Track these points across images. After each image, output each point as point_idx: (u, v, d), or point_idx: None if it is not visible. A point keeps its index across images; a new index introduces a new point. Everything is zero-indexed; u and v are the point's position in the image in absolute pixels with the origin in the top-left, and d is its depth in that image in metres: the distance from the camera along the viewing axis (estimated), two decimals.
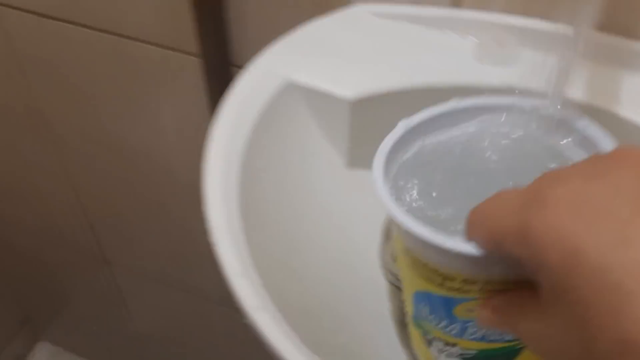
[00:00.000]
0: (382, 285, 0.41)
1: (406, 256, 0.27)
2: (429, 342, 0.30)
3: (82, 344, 1.32)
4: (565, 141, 0.29)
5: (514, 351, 0.28)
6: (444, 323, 0.28)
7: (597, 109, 0.40)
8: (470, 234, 0.22)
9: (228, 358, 1.05)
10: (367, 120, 0.43)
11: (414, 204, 0.28)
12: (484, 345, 0.28)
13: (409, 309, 0.30)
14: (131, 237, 0.91)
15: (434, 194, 0.28)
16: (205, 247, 0.33)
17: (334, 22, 0.47)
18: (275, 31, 0.46)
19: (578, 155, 0.29)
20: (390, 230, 0.41)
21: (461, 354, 0.29)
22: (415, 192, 0.28)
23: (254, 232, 0.35)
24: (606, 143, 0.27)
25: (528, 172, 0.23)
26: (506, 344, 0.28)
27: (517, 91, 0.31)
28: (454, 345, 0.29)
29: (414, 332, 0.31)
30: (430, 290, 0.27)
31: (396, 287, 0.40)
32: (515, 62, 0.43)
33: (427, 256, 0.25)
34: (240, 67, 0.57)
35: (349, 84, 0.42)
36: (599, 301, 0.16)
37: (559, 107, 0.29)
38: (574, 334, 0.17)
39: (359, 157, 0.45)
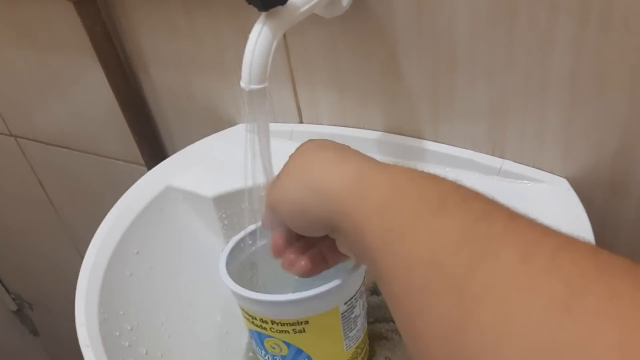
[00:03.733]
0: None
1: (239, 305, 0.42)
2: None
3: None
4: None
5: None
6: (262, 352, 0.42)
7: None
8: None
9: None
10: (228, 211, 0.57)
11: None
12: None
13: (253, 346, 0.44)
14: None
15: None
16: None
17: (217, 139, 0.62)
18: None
19: None
20: None
21: None
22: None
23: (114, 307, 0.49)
24: None
25: None
26: None
27: None
28: None
29: None
30: (251, 327, 0.41)
31: None
32: None
33: (240, 302, 0.40)
34: None
35: (212, 185, 0.56)
36: None
37: None
38: None
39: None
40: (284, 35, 0.54)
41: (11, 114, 0.84)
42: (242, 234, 0.45)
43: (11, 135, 0.87)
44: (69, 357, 1.38)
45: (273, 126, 0.61)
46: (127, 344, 0.48)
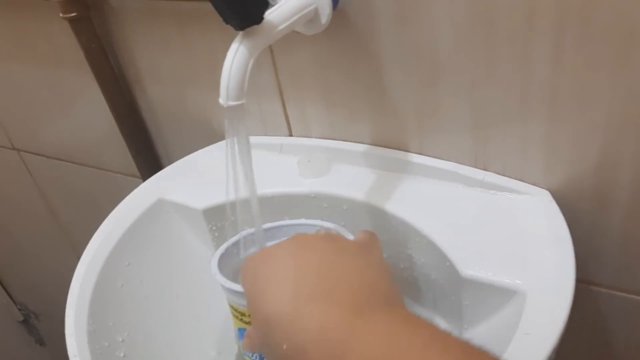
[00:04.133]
0: None
1: (228, 304, 0.43)
2: None
3: None
4: None
5: None
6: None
7: (372, 206, 0.52)
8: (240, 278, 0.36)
9: None
10: (219, 224, 0.58)
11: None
12: None
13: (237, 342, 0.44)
14: None
15: None
16: None
17: (209, 152, 0.64)
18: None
19: None
20: None
21: None
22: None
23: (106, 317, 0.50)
24: None
25: None
26: None
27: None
28: None
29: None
30: (238, 325, 0.42)
31: None
32: (326, 175, 0.57)
33: (228, 298, 0.42)
34: None
35: (202, 198, 0.57)
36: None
37: None
38: None
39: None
40: (271, 51, 0.55)
41: (15, 128, 0.86)
42: (235, 238, 0.46)
43: (14, 149, 0.89)
44: None
45: (263, 139, 0.62)
46: (117, 354, 0.49)
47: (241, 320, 0.43)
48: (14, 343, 1.38)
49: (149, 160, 0.72)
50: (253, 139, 0.63)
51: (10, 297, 1.32)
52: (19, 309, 1.34)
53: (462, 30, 0.45)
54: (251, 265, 0.33)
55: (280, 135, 0.61)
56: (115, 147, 0.75)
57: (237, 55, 0.37)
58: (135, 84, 0.67)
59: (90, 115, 0.74)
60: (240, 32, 0.37)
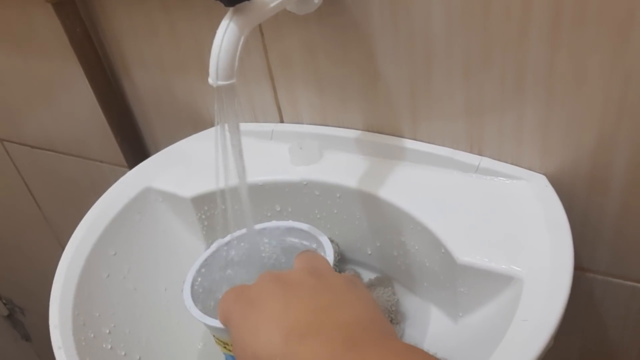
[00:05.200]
0: None
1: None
2: None
3: None
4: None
5: None
6: None
7: (365, 193, 0.51)
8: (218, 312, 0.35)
9: None
10: (208, 211, 0.56)
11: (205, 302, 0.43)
12: None
13: None
14: None
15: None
16: None
17: (197, 140, 0.62)
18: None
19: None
20: None
21: None
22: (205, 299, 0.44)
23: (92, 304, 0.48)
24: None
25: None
26: None
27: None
28: None
29: None
30: (225, 352, 0.41)
31: None
32: (317, 162, 0.55)
33: (211, 331, 0.41)
34: None
35: (190, 186, 0.56)
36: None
37: None
38: None
39: (214, 240, 0.58)
40: (262, 34, 0.54)
41: None
42: (206, 254, 0.45)
43: None
44: None
45: (254, 126, 0.60)
46: (103, 346, 0.48)
47: (226, 348, 0.41)
48: (0, 338, 1.36)
49: (135, 148, 0.71)
50: (243, 126, 0.61)
51: None
52: (4, 304, 1.32)
53: (457, 12, 0.44)
54: (236, 307, 0.32)
55: (270, 122, 0.60)
56: (100, 136, 0.74)
57: (227, 32, 0.35)
58: (121, 71, 0.66)
59: (75, 103, 0.72)
60: (231, 9, 0.36)
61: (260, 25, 0.53)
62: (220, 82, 0.36)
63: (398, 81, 0.50)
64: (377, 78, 0.50)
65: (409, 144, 0.53)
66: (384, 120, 0.53)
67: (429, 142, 0.52)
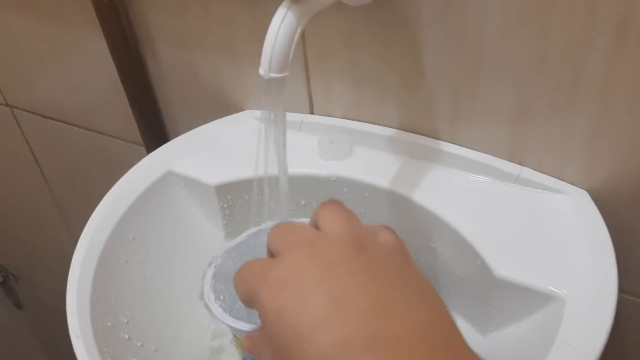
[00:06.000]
0: None
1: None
2: None
3: None
4: None
5: None
6: None
7: (397, 195, 0.49)
8: (236, 290, 0.30)
9: None
10: (231, 200, 0.54)
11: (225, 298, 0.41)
12: None
13: None
14: None
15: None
16: None
17: (222, 124, 0.60)
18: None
19: None
20: None
21: None
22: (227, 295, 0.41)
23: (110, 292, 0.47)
24: None
25: None
26: None
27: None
28: None
29: None
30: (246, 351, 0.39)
31: None
32: (348, 157, 0.53)
33: (232, 331, 0.38)
34: None
35: (215, 173, 0.54)
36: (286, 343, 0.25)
37: None
38: None
39: (234, 231, 0.56)
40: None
41: (8, 83, 0.81)
42: (228, 247, 0.42)
43: (7, 105, 0.84)
44: (53, 332, 1.36)
45: None
46: (120, 335, 0.46)
47: None
48: None
49: (153, 127, 0.68)
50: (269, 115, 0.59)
51: None
52: None
53: (515, 13, 0.42)
54: (265, 290, 0.26)
55: (300, 112, 0.58)
56: (117, 111, 0.71)
57: (284, 21, 0.33)
58: (145, 45, 0.63)
59: (93, 74, 0.70)
60: None
61: None
62: (273, 75, 0.34)
63: (442, 80, 0.48)
64: (420, 75, 0.48)
65: (446, 146, 0.51)
66: (422, 119, 0.51)
67: (467, 147, 0.50)
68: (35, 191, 0.97)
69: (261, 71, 0.34)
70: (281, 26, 0.33)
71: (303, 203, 0.54)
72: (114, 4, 0.59)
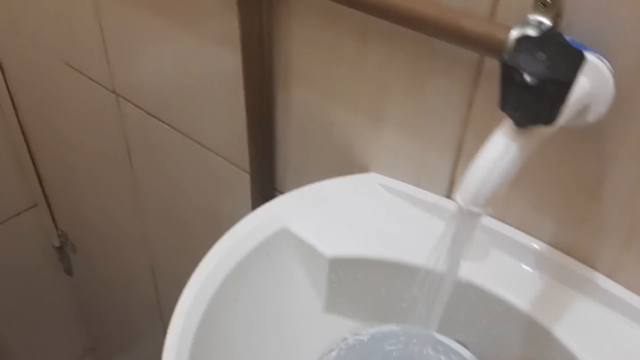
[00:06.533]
0: None
1: None
2: None
3: None
4: None
5: None
6: None
7: (534, 322, 0.44)
8: None
9: None
10: (342, 275, 0.50)
11: None
12: None
13: None
14: None
15: None
16: None
17: (344, 185, 0.55)
18: (309, 176, 0.55)
19: None
20: None
21: None
22: None
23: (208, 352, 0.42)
24: None
25: None
26: None
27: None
28: None
29: None
30: None
31: None
32: (483, 260, 0.48)
33: None
34: (281, 192, 0.66)
35: (332, 242, 0.49)
36: None
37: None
38: None
39: (335, 305, 0.51)
40: (470, 105, 0.46)
41: (120, 73, 0.78)
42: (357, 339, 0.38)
43: (114, 92, 0.81)
44: (95, 301, 1.35)
45: (414, 190, 0.53)
46: None
47: None
48: (43, 265, 1.34)
49: (264, 160, 0.64)
50: (399, 185, 0.54)
51: (54, 221, 1.27)
52: (59, 235, 1.29)
53: None
54: None
55: (435, 193, 0.52)
56: (230, 132, 0.67)
57: (506, 154, 0.28)
58: (281, 80, 0.59)
59: (216, 90, 0.66)
60: (514, 127, 0.28)
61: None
62: (473, 208, 0.28)
63: (621, 210, 0.42)
64: (595, 198, 0.42)
65: (602, 281, 0.45)
66: (580, 242, 0.45)
67: (626, 288, 0.44)
68: (119, 179, 0.95)
69: (459, 199, 0.29)
70: (502, 158, 0.28)
71: None
72: (261, 33, 0.55)
